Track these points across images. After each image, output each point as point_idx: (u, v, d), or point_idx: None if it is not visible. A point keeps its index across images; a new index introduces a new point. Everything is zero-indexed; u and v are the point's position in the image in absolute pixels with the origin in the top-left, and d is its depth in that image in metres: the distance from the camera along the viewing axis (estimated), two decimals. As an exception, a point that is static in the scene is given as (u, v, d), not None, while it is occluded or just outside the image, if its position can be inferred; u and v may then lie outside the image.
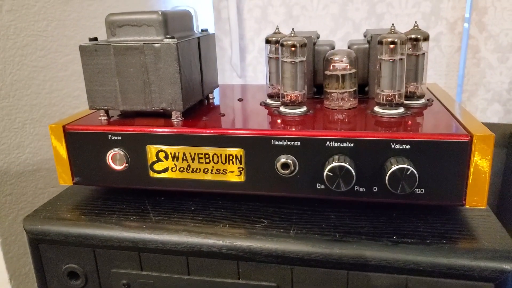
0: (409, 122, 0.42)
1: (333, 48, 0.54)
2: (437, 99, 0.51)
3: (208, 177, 0.43)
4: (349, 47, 0.52)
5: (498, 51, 0.87)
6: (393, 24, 0.44)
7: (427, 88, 0.57)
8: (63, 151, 0.46)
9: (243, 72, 1.12)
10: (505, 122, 0.90)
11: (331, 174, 0.38)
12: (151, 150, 0.44)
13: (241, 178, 0.43)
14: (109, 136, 0.44)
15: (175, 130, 0.43)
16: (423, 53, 0.47)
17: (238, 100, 0.56)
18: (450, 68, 0.91)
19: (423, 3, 0.89)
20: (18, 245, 0.64)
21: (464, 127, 0.39)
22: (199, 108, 0.51)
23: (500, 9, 0.84)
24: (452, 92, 0.93)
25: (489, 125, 0.87)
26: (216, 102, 0.56)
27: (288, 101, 0.47)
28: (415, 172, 0.37)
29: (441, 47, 0.90)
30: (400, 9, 0.89)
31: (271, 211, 0.44)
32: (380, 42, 0.43)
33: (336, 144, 0.40)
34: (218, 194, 0.47)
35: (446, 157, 0.38)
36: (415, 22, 0.47)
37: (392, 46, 0.43)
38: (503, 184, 0.85)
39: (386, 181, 0.37)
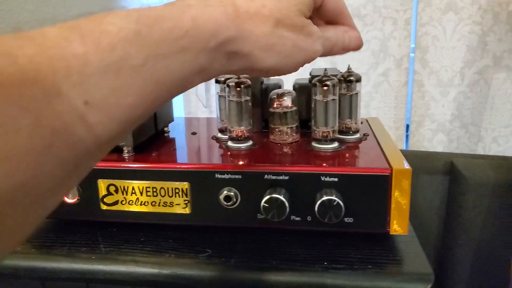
0: (340, 156, 0.46)
1: (280, 86, 0.59)
2: (373, 133, 0.56)
3: (156, 209, 0.46)
4: (293, 86, 0.57)
5: (440, 86, 0.94)
6: (326, 69, 0.49)
7: (367, 122, 0.62)
8: (16, 186, 0.47)
9: (208, 103, 1.16)
10: (448, 151, 0.97)
11: (267, 205, 0.42)
12: (103, 184, 0.46)
13: (187, 210, 0.45)
14: (62, 171, 0.46)
15: (124, 165, 0.46)
16: (356, 93, 0.52)
17: (192, 133, 0.59)
18: (398, 101, 0.98)
19: (372, 41, 0.96)
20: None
21: (388, 161, 0.44)
22: (153, 142, 0.54)
23: (439, 48, 0.92)
24: (401, 123, 1.00)
25: (434, 154, 0.94)
26: (173, 135, 0.59)
27: (235, 136, 0.51)
28: (341, 203, 0.40)
29: (389, 82, 0.97)
30: (351, 46, 0.95)
31: (217, 241, 0.46)
32: (315, 85, 0.48)
33: (273, 177, 0.43)
34: (168, 226, 0.49)
35: (370, 189, 0.42)
36: (349, 65, 0.52)
37: (325, 88, 0.47)
38: (447, 209, 0.90)
39: (316, 211, 0.41)
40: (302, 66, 0.32)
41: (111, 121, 0.22)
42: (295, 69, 0.32)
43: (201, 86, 1.14)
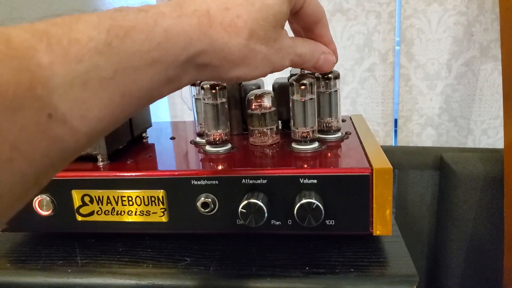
0: (320, 157, 0.45)
1: (260, 86, 0.57)
2: (356, 131, 0.55)
3: (133, 218, 0.45)
4: (273, 86, 0.56)
5: (427, 79, 0.93)
6: (302, 69, 0.48)
7: (350, 119, 0.61)
8: (-12, 200, 0.46)
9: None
10: (438, 145, 0.96)
11: (245, 210, 0.40)
12: (77, 194, 0.45)
13: (164, 219, 0.44)
14: (34, 183, 0.45)
15: (98, 174, 0.44)
16: (335, 90, 0.50)
17: (171, 138, 0.58)
18: (385, 96, 0.97)
19: (356, 36, 0.94)
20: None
21: (368, 160, 0.42)
22: (129, 149, 0.53)
23: (424, 40, 0.91)
24: (389, 119, 0.99)
25: (423, 149, 0.93)
26: (152, 140, 0.58)
27: (212, 140, 0.50)
28: (321, 206, 0.39)
29: (376, 77, 0.96)
30: (335, 42, 0.94)
31: (196, 249, 0.45)
32: (292, 84, 0.47)
33: (251, 181, 0.42)
34: (146, 235, 0.48)
35: (351, 190, 0.41)
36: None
37: (302, 87, 0.46)
38: (438, 204, 0.89)
39: (295, 215, 0.40)
40: (267, 75, 0.33)
41: (75, 133, 0.21)
42: (260, 77, 0.32)
43: (185, 89, 1.12)
